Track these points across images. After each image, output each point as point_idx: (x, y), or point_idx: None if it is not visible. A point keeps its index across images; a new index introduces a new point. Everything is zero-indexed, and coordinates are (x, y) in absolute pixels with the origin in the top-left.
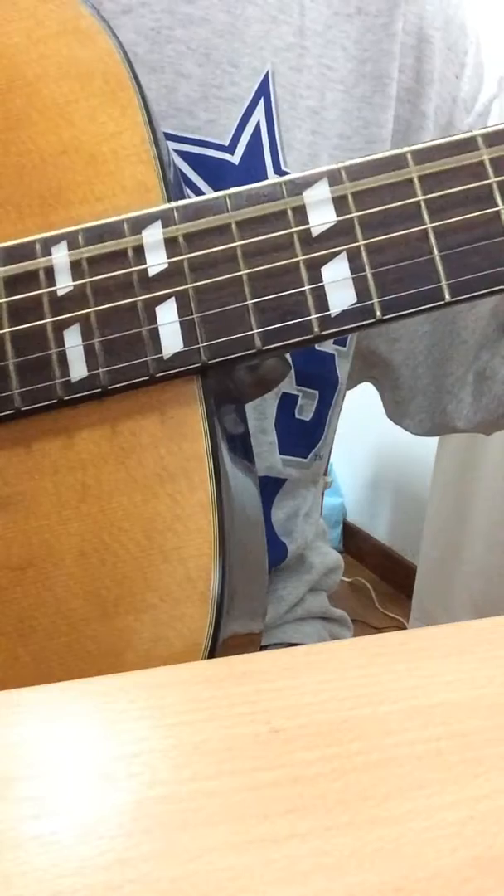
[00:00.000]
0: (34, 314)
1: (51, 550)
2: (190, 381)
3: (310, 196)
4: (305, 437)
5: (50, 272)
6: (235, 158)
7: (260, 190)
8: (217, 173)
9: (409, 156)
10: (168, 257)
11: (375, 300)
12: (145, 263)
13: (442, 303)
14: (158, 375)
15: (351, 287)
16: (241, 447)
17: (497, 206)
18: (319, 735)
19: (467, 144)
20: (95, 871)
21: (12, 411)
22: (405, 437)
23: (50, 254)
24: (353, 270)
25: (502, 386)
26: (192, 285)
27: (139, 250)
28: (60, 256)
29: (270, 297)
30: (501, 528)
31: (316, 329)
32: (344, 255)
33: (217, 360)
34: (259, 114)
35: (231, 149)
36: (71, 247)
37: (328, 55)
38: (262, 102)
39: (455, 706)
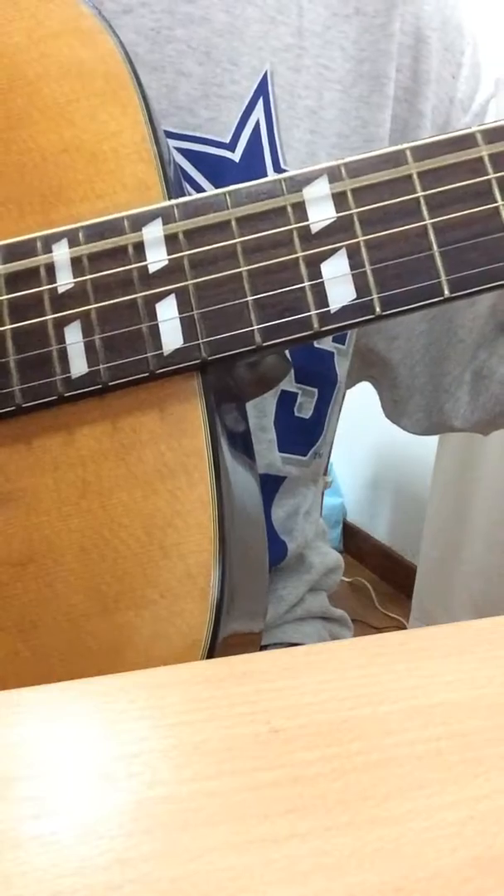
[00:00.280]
0: (35, 311)
1: (51, 546)
2: (190, 378)
3: (309, 193)
4: (305, 434)
5: (51, 269)
6: (236, 156)
7: (260, 187)
8: (218, 170)
9: (408, 152)
10: (168, 254)
11: (375, 296)
12: (146, 260)
13: (441, 298)
14: (158, 372)
15: (350, 283)
16: (242, 444)
17: (496, 202)
18: (319, 735)
19: (466, 141)
20: (95, 871)
21: (13, 408)
22: (405, 436)
23: (51, 251)
24: (352, 267)
25: (499, 385)
26: (192, 282)
27: (139, 247)
28: (61, 253)
29: (270, 293)
30: (501, 528)
31: (315, 325)
32: (343, 251)
33: (217, 356)
34: (258, 113)
35: (232, 146)
36: (72, 244)
37: (326, 55)
38: (261, 102)
39: (455, 706)
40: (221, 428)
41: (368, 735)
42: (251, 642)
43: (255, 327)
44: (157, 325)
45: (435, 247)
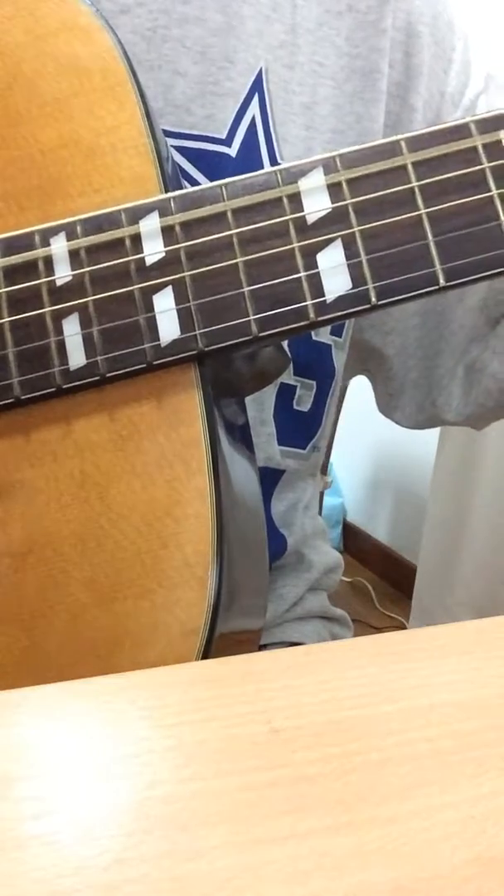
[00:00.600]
0: (33, 304)
1: (50, 537)
2: (187, 369)
3: (305, 184)
4: (304, 427)
5: (49, 262)
6: (233, 151)
7: (255, 179)
8: (215, 167)
9: (402, 143)
10: (165, 246)
11: (370, 286)
12: (142, 252)
13: (437, 287)
14: (156, 363)
15: (346, 273)
16: (241, 436)
17: (490, 191)
18: (319, 735)
19: (460, 131)
20: (95, 871)
21: (11, 400)
22: (405, 436)
23: (49, 244)
24: (348, 257)
25: (491, 379)
26: (188, 273)
27: (136, 239)
28: (59, 247)
29: (266, 284)
30: (501, 528)
31: (312, 315)
32: (339, 241)
33: (214, 346)
34: (254, 109)
35: (228, 142)
36: (69, 237)
37: (320, 52)
38: (256, 98)
39: (455, 706)
40: (219, 419)
41: (368, 735)
42: (251, 641)
43: (252, 318)
44: (154, 316)
45: (430, 236)
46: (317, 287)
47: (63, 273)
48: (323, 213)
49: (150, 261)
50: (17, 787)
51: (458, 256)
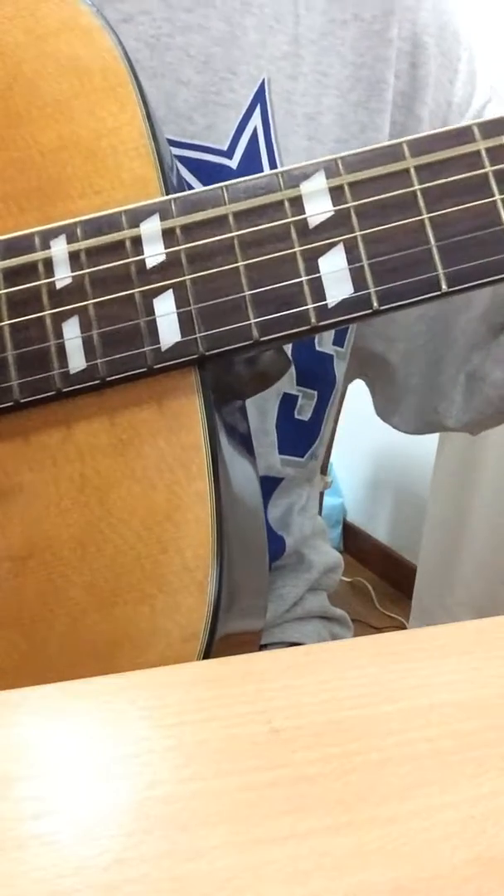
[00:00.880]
0: (33, 306)
1: (50, 541)
2: (188, 373)
3: (306, 187)
4: (304, 436)
5: (49, 264)
6: (234, 163)
7: (257, 182)
8: (216, 178)
9: (405, 146)
10: (166, 249)
11: (372, 290)
12: (143, 255)
13: (439, 293)
14: (156, 367)
15: (348, 277)
16: (241, 440)
17: (493, 195)
18: (319, 735)
19: (463, 135)
20: (95, 871)
21: (11, 403)
22: (405, 437)
23: (49, 246)
24: (349, 261)
25: (492, 388)
26: (189, 276)
27: (137, 242)
28: (59, 249)
29: (268, 287)
30: (501, 528)
31: (313, 320)
32: (341, 245)
33: (215, 350)
34: (256, 120)
35: (229, 154)
36: (70, 239)
37: (324, 62)
38: (258, 109)
39: (455, 706)
40: (220, 423)
41: (368, 735)
42: (251, 641)
43: (253, 322)
44: (154, 319)
45: (432, 241)
46: (318, 291)
47: (63, 275)
48: (325, 217)
49: (150, 263)
50: (17, 787)
51: (461, 261)
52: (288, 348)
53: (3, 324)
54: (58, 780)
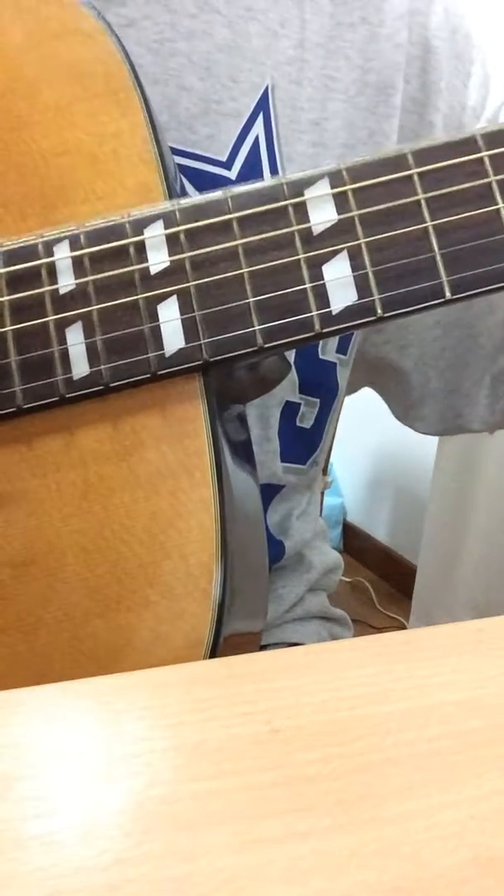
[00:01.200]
0: (36, 312)
1: (53, 547)
2: (192, 379)
3: (311, 194)
4: (306, 444)
5: (52, 270)
6: (232, 174)
7: (261, 189)
8: (214, 188)
9: (409, 155)
10: (170, 255)
11: (376, 297)
12: (147, 261)
13: (442, 300)
14: (160, 373)
15: (352, 284)
16: (243, 446)
17: (497, 204)
18: (319, 735)
19: (467, 144)
20: (95, 871)
21: (14, 409)
22: (405, 437)
23: (52, 253)
24: (354, 268)
25: None
26: (193, 283)
27: (141, 248)
28: (62, 255)
29: (272, 294)
30: (501, 528)
31: (317, 327)
32: (345, 253)
33: (218, 357)
34: (258, 128)
35: (228, 164)
36: (73, 246)
37: (331, 66)
38: (261, 117)
39: (455, 706)
40: (223, 430)
41: (368, 735)
42: (251, 642)
43: (257, 328)
44: (158, 326)
45: (436, 249)
46: (322, 298)
47: (66, 282)
48: (329, 225)
49: (154, 270)
50: (17, 787)
51: (465, 269)
52: (290, 356)
53: (6, 330)
54: (58, 780)
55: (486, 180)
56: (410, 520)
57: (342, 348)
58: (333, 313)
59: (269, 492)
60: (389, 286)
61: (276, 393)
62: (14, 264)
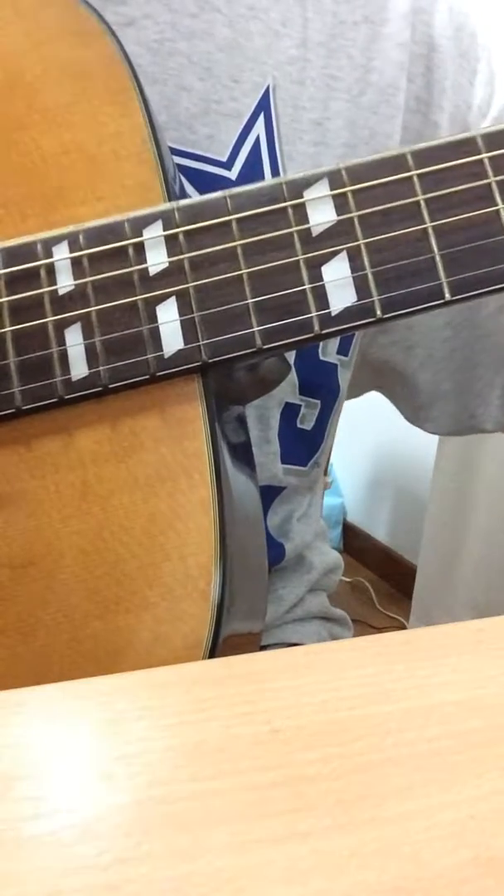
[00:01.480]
0: (35, 313)
1: (51, 549)
2: (191, 380)
3: (310, 195)
4: (306, 445)
5: (51, 271)
6: (233, 174)
7: (260, 189)
8: (213, 189)
9: (409, 156)
10: (168, 256)
11: (376, 299)
12: (146, 262)
13: (442, 301)
14: (159, 374)
15: (351, 286)
16: (242, 447)
17: (497, 205)
18: (319, 735)
19: (466, 144)
20: (95, 871)
21: (13, 410)
22: (405, 436)
23: (51, 253)
24: (353, 269)
25: None
26: (192, 284)
27: (140, 249)
28: (62, 255)
29: (271, 295)
30: (501, 528)
31: (316, 328)
32: (344, 254)
33: (218, 358)
34: (259, 128)
35: (228, 165)
36: (72, 246)
37: (333, 65)
38: (261, 117)
39: (455, 706)
40: (222, 431)
41: (368, 735)
42: (251, 642)
43: (256, 329)
44: (157, 327)
45: (436, 250)
46: (322, 299)
47: (65, 282)
48: (328, 225)
49: (153, 271)
50: (17, 787)
51: (464, 270)
52: (291, 358)
53: (5, 331)
54: (58, 780)
55: (485, 181)
56: (410, 520)
57: (343, 350)
58: (333, 314)
59: (270, 494)
60: (389, 287)
61: (277, 394)
62: (13, 265)
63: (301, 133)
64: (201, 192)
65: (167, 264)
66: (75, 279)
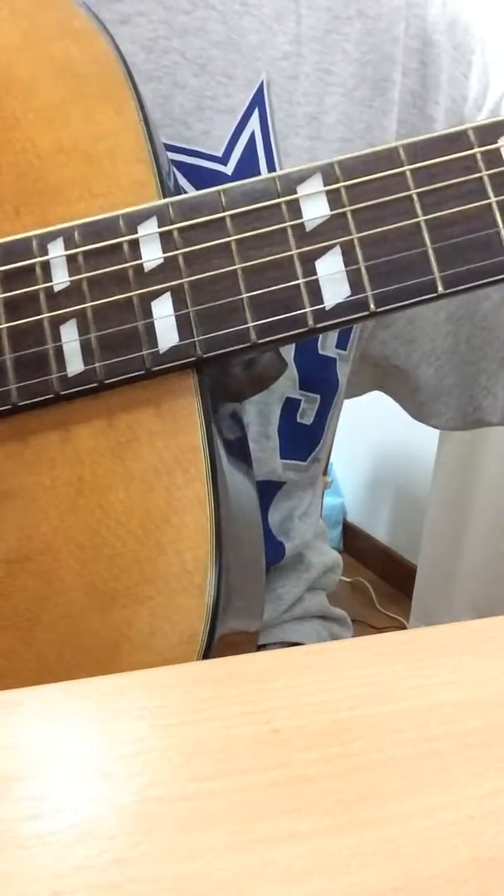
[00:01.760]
0: (31, 309)
1: (48, 544)
2: (186, 375)
3: (304, 190)
4: (306, 440)
5: (46, 268)
6: (229, 169)
7: (254, 185)
8: (210, 184)
9: (401, 150)
10: (163, 252)
11: (369, 293)
12: (141, 258)
13: (435, 295)
14: (154, 369)
15: (345, 280)
16: (238, 444)
17: (489, 198)
18: (319, 735)
19: (459, 138)
20: (95, 871)
21: (9, 406)
22: (405, 437)
23: (46, 250)
24: (346, 264)
25: None
26: (187, 279)
27: (135, 245)
28: (57, 252)
29: (265, 290)
30: (502, 528)
31: (310, 322)
32: (338, 248)
33: (212, 353)
34: (254, 124)
35: (224, 160)
36: (67, 243)
37: (327, 59)
38: (256, 112)
39: (455, 706)
40: (218, 427)
41: (368, 735)
42: (248, 641)
43: (250, 325)
44: (152, 322)
45: (428, 244)
46: (315, 294)
47: (61, 279)
48: (322, 220)
49: (148, 266)
50: (17, 787)
51: (457, 264)
52: (290, 352)
53: (0, 327)
54: (58, 780)
55: (477, 175)
56: (410, 520)
57: (342, 344)
58: (327, 309)
59: (270, 489)
60: (382, 281)
61: (277, 390)
62: (8, 262)
63: (296, 128)
64: (198, 187)
65: (162, 260)
66: (70, 275)
